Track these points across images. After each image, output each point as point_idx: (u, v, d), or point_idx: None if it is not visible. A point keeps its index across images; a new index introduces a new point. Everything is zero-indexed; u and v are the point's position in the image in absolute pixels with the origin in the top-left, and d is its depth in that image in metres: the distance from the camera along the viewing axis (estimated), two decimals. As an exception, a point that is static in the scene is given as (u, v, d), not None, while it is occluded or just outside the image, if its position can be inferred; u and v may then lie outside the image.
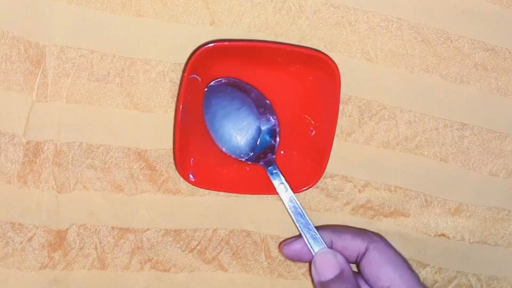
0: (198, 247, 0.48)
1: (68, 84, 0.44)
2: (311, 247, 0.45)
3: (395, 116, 0.48)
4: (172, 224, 0.47)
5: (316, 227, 0.45)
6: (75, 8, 0.43)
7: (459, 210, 0.50)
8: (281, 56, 0.45)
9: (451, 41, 0.48)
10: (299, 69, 0.46)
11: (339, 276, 0.44)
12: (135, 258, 0.47)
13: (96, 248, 0.47)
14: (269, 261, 0.49)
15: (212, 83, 0.45)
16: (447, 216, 0.50)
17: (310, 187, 0.47)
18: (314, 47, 0.46)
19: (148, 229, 0.47)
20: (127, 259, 0.47)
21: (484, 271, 0.52)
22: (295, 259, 0.47)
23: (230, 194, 0.47)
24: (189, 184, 0.46)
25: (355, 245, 0.45)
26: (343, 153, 0.48)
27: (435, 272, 0.51)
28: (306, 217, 0.45)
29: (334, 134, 0.46)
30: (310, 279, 0.49)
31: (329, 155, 0.46)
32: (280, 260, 0.49)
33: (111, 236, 0.47)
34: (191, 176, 0.46)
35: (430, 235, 0.50)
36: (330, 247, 0.45)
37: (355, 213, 0.49)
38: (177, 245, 0.48)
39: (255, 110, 0.46)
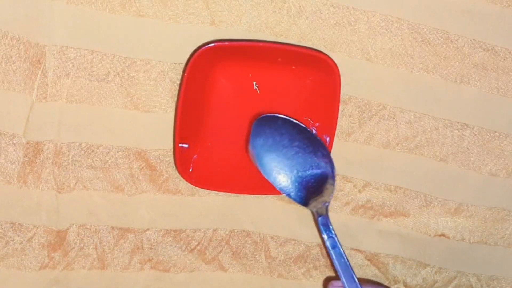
0: (198, 247, 0.48)
1: (68, 84, 0.44)
2: None
3: (395, 116, 0.48)
4: (172, 224, 0.47)
5: (359, 280, 0.45)
6: (75, 8, 0.43)
7: (459, 210, 0.50)
8: (281, 56, 0.45)
9: (451, 41, 0.48)
10: (299, 69, 0.46)
11: None
12: (135, 258, 0.47)
13: (96, 248, 0.47)
14: (269, 261, 0.49)
15: (262, 116, 0.45)
16: (447, 216, 0.50)
17: (310, 187, 0.47)
18: (314, 47, 0.46)
19: (148, 229, 0.47)
20: (127, 259, 0.47)
21: (484, 271, 0.52)
22: None
23: (230, 194, 0.47)
24: (189, 184, 0.46)
25: None
26: (343, 153, 0.48)
27: (435, 272, 0.51)
28: (355, 278, 0.45)
29: (334, 134, 0.46)
30: (310, 279, 0.49)
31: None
32: (280, 260, 0.49)
33: (111, 236, 0.47)
34: (191, 176, 0.46)
35: (430, 235, 0.50)
36: None
37: (355, 213, 0.49)
38: (177, 245, 0.48)
39: (310, 149, 0.45)
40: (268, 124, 0.45)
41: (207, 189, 0.47)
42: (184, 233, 0.48)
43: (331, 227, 0.45)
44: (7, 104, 0.44)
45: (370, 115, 0.48)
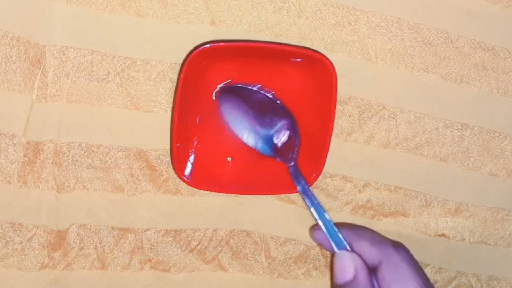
0: (198, 247, 0.48)
1: (68, 84, 0.44)
2: (333, 245, 0.45)
3: (395, 116, 0.48)
4: (172, 224, 0.47)
5: (337, 224, 0.45)
6: (75, 8, 0.43)
7: (459, 210, 0.50)
8: (279, 56, 0.45)
9: (451, 41, 0.48)
10: (297, 69, 0.46)
11: (353, 280, 0.43)
12: (135, 258, 0.47)
13: (96, 248, 0.47)
14: (269, 261, 0.49)
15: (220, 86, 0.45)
16: (447, 216, 0.50)
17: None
18: (314, 47, 0.46)
19: (148, 229, 0.47)
20: (127, 259, 0.47)
21: (484, 271, 0.52)
22: (321, 245, 0.47)
23: (230, 194, 0.47)
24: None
25: (370, 255, 0.44)
26: (343, 153, 0.48)
27: (435, 272, 0.51)
28: (329, 219, 0.45)
29: (331, 134, 0.46)
30: (310, 279, 0.49)
31: (326, 154, 0.46)
32: (280, 260, 0.49)
33: (111, 236, 0.47)
34: (189, 177, 0.45)
35: (430, 235, 0.50)
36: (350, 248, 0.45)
37: (355, 213, 0.49)
38: (177, 245, 0.48)
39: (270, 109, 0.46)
40: (230, 96, 0.46)
41: (206, 190, 0.47)
42: (184, 233, 0.48)
43: (299, 175, 0.46)
44: (7, 104, 0.44)
45: (370, 115, 0.48)
